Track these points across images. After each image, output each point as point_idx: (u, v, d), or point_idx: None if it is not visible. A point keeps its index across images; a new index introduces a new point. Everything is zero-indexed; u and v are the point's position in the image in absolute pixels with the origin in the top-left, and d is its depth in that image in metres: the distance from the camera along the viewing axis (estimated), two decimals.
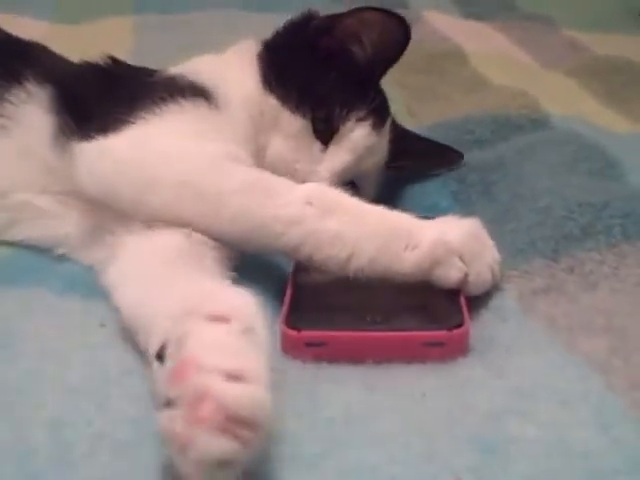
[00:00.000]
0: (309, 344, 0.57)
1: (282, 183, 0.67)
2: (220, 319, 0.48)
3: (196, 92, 0.76)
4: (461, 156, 0.94)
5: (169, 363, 0.47)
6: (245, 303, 0.50)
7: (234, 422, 0.41)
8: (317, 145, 0.82)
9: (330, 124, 0.82)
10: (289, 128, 0.81)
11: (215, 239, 0.66)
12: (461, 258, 0.62)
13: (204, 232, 0.66)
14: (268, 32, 1.27)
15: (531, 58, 1.56)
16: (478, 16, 1.91)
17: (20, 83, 0.79)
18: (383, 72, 0.87)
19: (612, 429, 0.47)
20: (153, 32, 1.65)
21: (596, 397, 0.51)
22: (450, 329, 0.57)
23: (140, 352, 0.55)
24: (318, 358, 0.57)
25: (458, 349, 0.58)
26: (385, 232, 0.62)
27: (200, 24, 1.72)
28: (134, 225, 0.69)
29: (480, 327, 0.61)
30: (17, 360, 0.55)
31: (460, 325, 0.58)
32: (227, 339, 0.47)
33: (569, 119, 1.09)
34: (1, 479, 0.44)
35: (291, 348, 0.58)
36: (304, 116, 0.81)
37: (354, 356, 0.57)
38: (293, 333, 0.58)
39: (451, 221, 0.66)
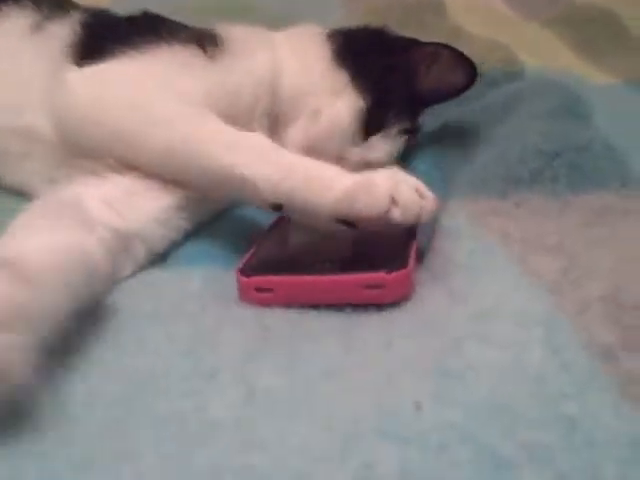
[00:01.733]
0: (258, 289, 0.61)
1: (218, 124, 0.70)
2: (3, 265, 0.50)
3: (200, 39, 0.79)
4: None
5: None
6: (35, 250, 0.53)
7: None
8: (360, 133, 0.85)
9: (381, 122, 0.86)
10: (349, 101, 0.84)
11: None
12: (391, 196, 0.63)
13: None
14: None
15: (509, 8, 1.58)
16: None
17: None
18: (436, 103, 0.93)
19: (561, 353, 0.50)
20: None
21: (548, 319, 0.53)
22: (389, 272, 0.59)
23: None
24: (268, 303, 0.60)
25: (399, 291, 0.60)
26: (312, 168, 0.66)
27: None
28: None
29: (438, 251, 0.65)
30: None
31: (401, 268, 0.60)
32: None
33: (543, 70, 1.12)
34: None
35: (243, 294, 0.62)
36: (364, 100, 0.84)
37: (301, 301, 0.60)
38: (243, 279, 0.62)
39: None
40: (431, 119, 0.96)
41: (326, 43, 0.88)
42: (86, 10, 0.87)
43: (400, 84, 0.88)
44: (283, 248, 0.70)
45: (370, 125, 0.85)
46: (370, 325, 0.57)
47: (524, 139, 0.77)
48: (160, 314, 0.60)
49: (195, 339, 0.56)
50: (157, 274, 0.69)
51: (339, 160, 0.81)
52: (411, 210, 0.62)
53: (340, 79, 0.85)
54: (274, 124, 0.84)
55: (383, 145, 0.87)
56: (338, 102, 0.84)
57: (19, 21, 0.85)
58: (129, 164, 0.72)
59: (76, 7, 0.89)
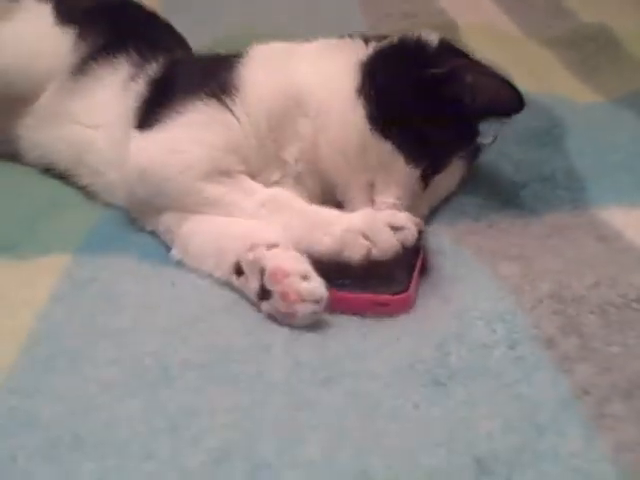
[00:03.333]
0: None
1: (240, 197, 0.87)
2: (274, 245, 0.78)
3: (222, 90, 0.90)
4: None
5: (249, 275, 0.78)
6: (278, 234, 0.79)
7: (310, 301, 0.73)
8: (420, 185, 0.90)
9: (437, 170, 0.90)
10: (403, 176, 0.88)
11: None
12: (364, 236, 0.77)
13: None
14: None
15: (516, 27, 1.74)
16: None
17: (152, 62, 1.03)
18: (487, 119, 0.92)
19: (517, 347, 0.69)
20: (178, 5, 1.80)
21: (509, 316, 0.73)
22: (394, 294, 0.76)
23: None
24: None
25: (401, 309, 0.76)
26: (311, 222, 0.82)
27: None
28: None
29: (430, 265, 0.84)
30: (122, 310, 0.79)
31: (404, 291, 0.77)
32: (287, 254, 0.76)
33: (537, 93, 1.28)
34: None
35: None
36: (417, 166, 0.88)
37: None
38: None
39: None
40: None
41: (359, 99, 0.88)
42: (165, 55, 1.04)
43: (446, 118, 0.87)
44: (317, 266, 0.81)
45: (427, 176, 0.89)
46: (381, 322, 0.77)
47: (500, 167, 0.96)
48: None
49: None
50: None
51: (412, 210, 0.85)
52: (389, 249, 0.77)
53: (385, 153, 0.87)
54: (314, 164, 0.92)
55: (445, 182, 0.92)
56: (387, 182, 0.88)
57: (119, 75, 1.04)
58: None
59: (164, 51, 1.05)
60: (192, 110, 0.90)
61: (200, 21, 1.67)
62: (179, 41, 1.19)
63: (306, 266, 0.76)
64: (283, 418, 0.63)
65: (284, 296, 0.74)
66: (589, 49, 1.58)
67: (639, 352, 0.68)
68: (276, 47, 0.97)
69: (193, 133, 0.89)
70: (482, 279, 0.80)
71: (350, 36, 0.96)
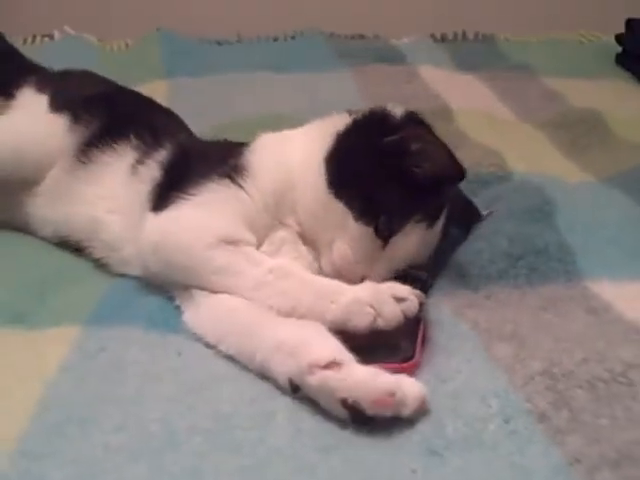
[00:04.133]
0: None
1: (249, 265, 0.90)
2: (334, 363, 0.75)
3: (233, 172, 0.97)
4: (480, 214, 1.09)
5: (319, 397, 0.75)
6: (336, 348, 0.78)
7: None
8: (378, 244, 0.95)
9: (391, 229, 0.94)
10: (354, 232, 0.94)
11: None
12: (371, 306, 0.81)
13: None
14: (284, 91, 1.41)
15: (509, 111, 1.80)
16: (469, 66, 2.16)
17: (158, 147, 1.08)
18: (439, 187, 0.96)
19: (511, 421, 0.72)
20: (184, 94, 1.90)
21: (503, 392, 0.76)
22: (402, 362, 0.81)
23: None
24: None
25: (410, 375, 0.78)
26: (318, 291, 0.85)
27: (223, 85, 1.99)
28: None
29: (428, 338, 0.87)
30: (129, 379, 0.81)
31: (410, 358, 0.81)
32: (360, 374, 0.74)
33: (527, 173, 1.34)
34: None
35: None
36: (368, 223, 0.93)
37: None
38: None
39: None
40: None
41: (324, 165, 0.96)
42: (171, 141, 1.09)
43: (399, 185, 0.93)
44: None
45: (383, 235, 0.94)
46: None
47: (495, 242, 1.00)
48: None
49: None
50: None
51: (369, 272, 0.93)
52: (393, 319, 0.81)
53: (339, 212, 0.94)
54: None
55: (404, 245, 0.94)
56: (340, 238, 0.94)
57: (124, 160, 1.09)
58: None
59: (167, 136, 1.11)
60: (206, 191, 0.96)
61: (204, 108, 1.73)
62: (179, 124, 1.24)
63: (392, 377, 0.75)
64: None
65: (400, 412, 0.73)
66: (579, 131, 1.63)
67: (626, 424, 0.71)
68: (276, 136, 1.06)
69: (206, 209, 0.95)
70: (477, 358, 0.83)
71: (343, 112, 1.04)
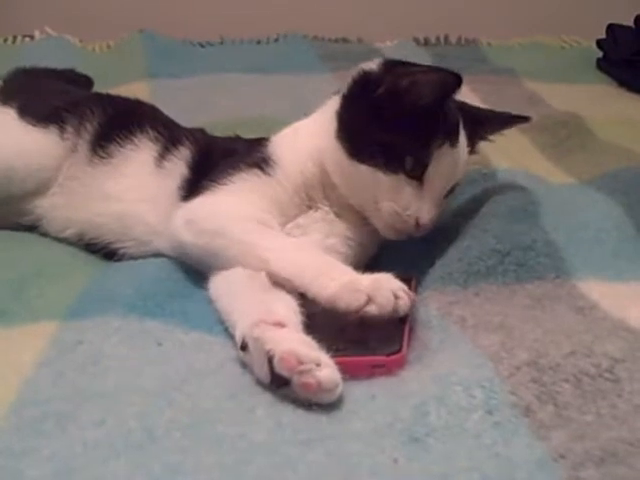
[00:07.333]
0: None
1: (273, 239, 0.95)
2: (280, 324, 0.80)
3: (262, 163, 1.04)
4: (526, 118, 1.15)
5: (254, 353, 0.78)
6: (290, 310, 0.84)
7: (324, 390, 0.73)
8: (415, 185, 0.99)
9: (419, 165, 0.99)
10: (389, 185, 0.99)
11: None
12: (367, 293, 0.82)
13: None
14: (266, 93, 1.44)
15: None
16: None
17: (177, 142, 1.13)
18: (443, 103, 0.99)
19: (495, 413, 0.71)
20: (166, 95, 1.88)
21: (488, 383, 0.75)
22: (388, 355, 0.81)
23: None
24: None
25: (396, 369, 0.80)
26: (323, 267, 0.87)
27: (206, 87, 2.00)
28: None
29: (415, 335, 0.87)
30: (107, 374, 0.80)
31: (397, 352, 0.81)
32: (295, 337, 0.78)
33: (513, 173, 1.35)
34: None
35: None
36: (397, 171, 0.98)
37: None
38: None
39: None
40: None
41: (337, 142, 1.02)
42: (191, 140, 1.14)
43: (406, 121, 0.97)
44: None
45: (415, 174, 0.98)
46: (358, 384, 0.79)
47: (483, 239, 1.00)
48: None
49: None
50: None
51: (420, 212, 0.99)
52: (385, 307, 0.81)
53: (368, 175, 0.98)
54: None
55: (437, 175, 0.99)
56: (382, 199, 0.99)
57: (147, 152, 1.12)
58: None
59: (185, 135, 1.15)
60: (237, 180, 1.02)
61: (186, 110, 1.73)
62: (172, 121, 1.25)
63: (318, 352, 0.77)
64: (265, 477, 0.64)
65: (305, 387, 0.73)
66: (561, 134, 1.64)
67: (611, 422, 0.70)
68: (292, 129, 1.12)
69: (238, 195, 1.01)
70: (463, 350, 0.82)
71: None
